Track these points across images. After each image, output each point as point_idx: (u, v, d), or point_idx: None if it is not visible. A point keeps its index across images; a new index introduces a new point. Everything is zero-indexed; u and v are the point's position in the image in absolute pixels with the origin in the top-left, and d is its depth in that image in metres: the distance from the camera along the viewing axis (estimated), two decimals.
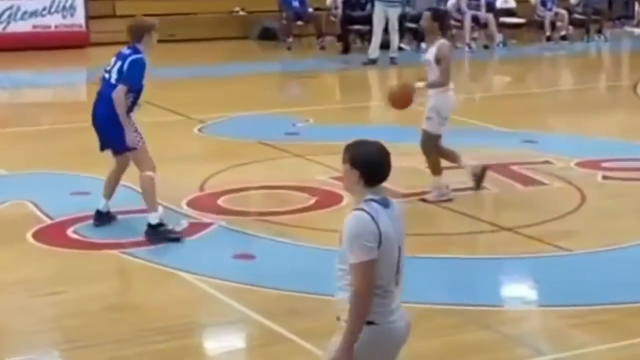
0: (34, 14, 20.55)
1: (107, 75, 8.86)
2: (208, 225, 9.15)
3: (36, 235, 8.79)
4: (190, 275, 7.90)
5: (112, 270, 8.24)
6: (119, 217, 9.16)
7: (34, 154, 11.96)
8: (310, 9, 22.02)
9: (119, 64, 8.76)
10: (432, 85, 9.88)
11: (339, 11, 21.53)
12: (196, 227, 9.08)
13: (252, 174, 11.03)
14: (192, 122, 13.70)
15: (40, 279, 7.81)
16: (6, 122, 13.70)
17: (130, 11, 21.76)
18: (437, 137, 10.01)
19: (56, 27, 20.77)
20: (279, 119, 14.07)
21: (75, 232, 8.87)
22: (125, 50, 8.89)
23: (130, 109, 8.79)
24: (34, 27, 20.59)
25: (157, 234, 8.64)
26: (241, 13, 23.13)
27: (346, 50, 21.14)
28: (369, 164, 4.48)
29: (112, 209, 9.12)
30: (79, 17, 20.96)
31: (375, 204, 4.45)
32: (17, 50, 19.63)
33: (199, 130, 13.33)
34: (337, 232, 4.53)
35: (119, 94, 8.62)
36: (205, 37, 21.96)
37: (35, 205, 9.57)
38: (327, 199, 9.90)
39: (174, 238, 8.65)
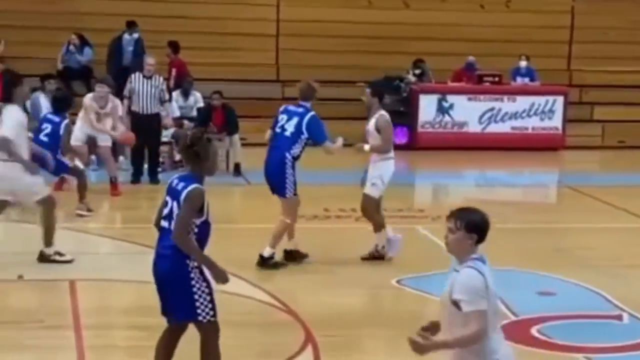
0: (513, 115, 21.10)
1: (279, 130, 10.81)
2: None
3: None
4: None
5: None
6: (586, 320, 9.14)
7: (502, 251, 12.21)
8: None
9: (295, 119, 10.75)
10: (375, 149, 11.32)
11: None
12: None
13: None
14: None
15: None
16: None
17: (607, 116, 21.96)
18: (379, 201, 11.37)
19: (533, 129, 21.15)
20: None
21: (539, 331, 8.94)
22: (294, 107, 10.97)
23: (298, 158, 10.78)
24: (513, 128, 21.11)
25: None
26: None
27: None
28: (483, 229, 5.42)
29: (580, 312, 9.13)
30: (557, 121, 21.21)
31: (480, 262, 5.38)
32: (495, 149, 20.23)
33: None
34: None
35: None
36: None
37: (502, 301, 9.73)
38: None
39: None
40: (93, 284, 10.25)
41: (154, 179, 15.78)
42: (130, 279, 10.25)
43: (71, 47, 19.94)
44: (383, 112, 11.39)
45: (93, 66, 20.12)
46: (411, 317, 9.72)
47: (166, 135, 16.79)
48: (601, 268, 11.33)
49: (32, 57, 19.34)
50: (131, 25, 19.70)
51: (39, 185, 10.75)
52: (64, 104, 13.67)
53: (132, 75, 16.11)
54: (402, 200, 15.21)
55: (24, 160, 10.41)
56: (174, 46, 19.47)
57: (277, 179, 10.81)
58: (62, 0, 20.79)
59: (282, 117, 10.93)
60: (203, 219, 6.76)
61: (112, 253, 11.98)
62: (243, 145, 17.28)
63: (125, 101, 15.84)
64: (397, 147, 20.20)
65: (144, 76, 15.89)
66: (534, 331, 8.92)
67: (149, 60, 16.18)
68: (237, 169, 16.81)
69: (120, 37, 19.69)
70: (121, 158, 16.92)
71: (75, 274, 10.35)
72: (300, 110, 10.91)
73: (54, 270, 10.62)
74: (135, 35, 19.66)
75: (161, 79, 16.16)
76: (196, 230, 6.72)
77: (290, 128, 10.80)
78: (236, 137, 17.08)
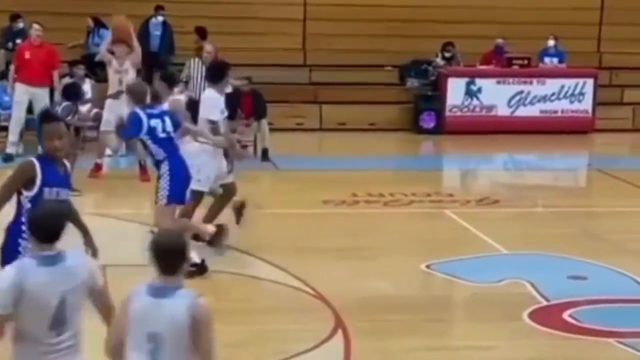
0: (542, 98, 20.95)
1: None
2: None
3: (532, 316, 8.91)
4: None
5: (606, 359, 8.13)
6: (618, 305, 9.07)
7: (532, 235, 12.16)
8: None
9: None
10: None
11: None
12: None
13: None
14: None
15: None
16: (507, 201, 14.07)
17: (638, 98, 21.79)
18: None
19: (563, 112, 21.00)
20: None
21: (571, 315, 8.87)
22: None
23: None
24: (542, 111, 20.97)
25: None
26: None
27: None
28: None
29: (611, 296, 9.06)
30: (587, 103, 21.05)
31: None
32: (524, 133, 20.11)
33: None
34: None
35: None
36: None
37: (533, 285, 9.72)
38: None
39: None
40: (124, 270, 10.24)
41: None
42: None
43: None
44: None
45: None
46: (441, 302, 9.72)
47: None
48: (632, 252, 11.23)
49: (60, 43, 19.34)
50: (158, 9, 19.66)
51: None
52: (72, 94, 13.86)
53: (190, 61, 16.43)
54: (430, 184, 15.15)
55: None
56: (202, 32, 19.41)
57: None
58: None
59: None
60: (33, 193, 6.80)
61: (141, 238, 11.96)
62: (270, 130, 17.25)
63: (181, 85, 15.99)
64: (426, 131, 20.38)
65: (203, 62, 16.03)
66: (565, 315, 8.86)
67: (207, 48, 16.36)
68: (265, 154, 16.77)
69: (147, 21, 19.65)
70: None
71: (106, 260, 10.34)
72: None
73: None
74: (161, 19, 19.61)
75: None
76: (29, 205, 6.77)
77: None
78: (264, 122, 17.03)
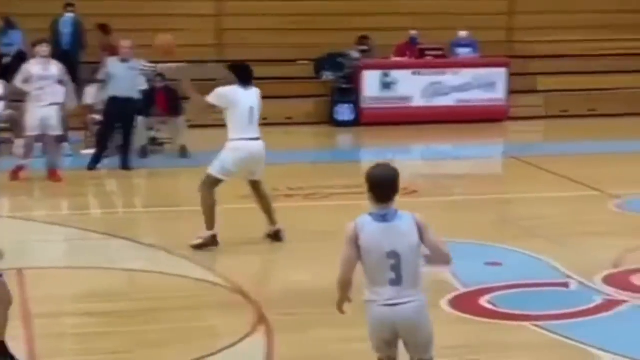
0: (457, 89, 21.22)
1: None
2: (622, 302, 8.99)
3: (451, 303, 9.05)
4: (604, 353, 7.78)
5: (523, 342, 8.29)
6: (533, 289, 9.28)
7: (450, 223, 12.32)
8: None
9: None
10: None
11: None
12: (610, 304, 8.95)
13: None
14: (608, 197, 13.53)
15: (451, 347, 8.02)
16: (425, 191, 14.23)
17: (550, 86, 22.19)
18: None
19: (477, 101, 21.30)
20: None
21: (488, 301, 9.04)
22: None
23: None
24: (457, 101, 21.24)
25: None
26: None
27: None
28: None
29: (527, 281, 9.25)
30: (500, 92, 21.37)
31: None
32: (440, 123, 20.35)
33: (615, 205, 13.14)
34: None
35: None
36: (626, 112, 21.64)
37: (451, 272, 9.86)
38: None
39: None
40: (41, 272, 10.18)
41: (127, 165, 15.66)
42: (77, 265, 10.23)
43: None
44: None
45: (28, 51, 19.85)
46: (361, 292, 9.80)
47: None
48: (548, 237, 11.46)
49: None
50: (67, 7, 19.45)
51: None
52: None
53: (109, 59, 16.15)
54: (349, 177, 15.25)
55: None
56: (104, 29, 19.27)
57: None
58: None
59: None
60: None
61: (58, 240, 11.89)
62: (189, 127, 17.22)
63: (99, 85, 15.95)
64: (343, 124, 20.52)
65: (121, 60, 15.82)
66: (482, 301, 9.01)
67: (124, 43, 16.11)
68: (183, 151, 16.75)
69: (57, 20, 19.45)
70: (66, 144, 16.79)
71: (22, 263, 10.28)
72: None
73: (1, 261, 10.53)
74: (71, 16, 19.38)
75: (141, 62, 16.07)
76: None
77: None
78: (181, 119, 17.01)
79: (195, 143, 16.63)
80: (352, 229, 5.75)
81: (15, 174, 14.67)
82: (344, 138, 20.35)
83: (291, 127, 19.92)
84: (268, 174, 13.94)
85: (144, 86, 17.70)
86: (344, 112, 20.70)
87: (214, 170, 10.80)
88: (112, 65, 15.97)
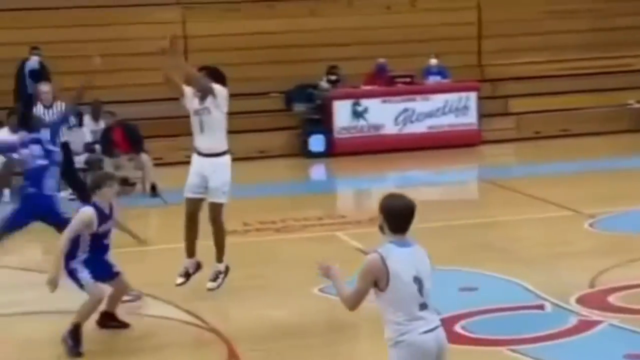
0: (428, 115, 21.17)
1: None
2: (598, 322, 8.88)
3: None
4: None
5: None
6: (509, 313, 9.15)
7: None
8: None
9: None
10: None
11: None
12: (586, 324, 8.84)
13: None
14: (583, 217, 13.45)
15: None
16: None
17: (521, 108, 22.18)
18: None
19: (449, 126, 21.24)
20: None
21: (463, 327, 8.91)
22: None
23: None
24: (429, 127, 21.18)
25: None
26: (635, 105, 22.51)
27: None
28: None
29: (502, 305, 9.13)
30: (472, 116, 21.34)
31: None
32: (413, 150, 20.28)
33: (590, 225, 13.06)
34: None
35: None
36: (598, 130, 21.64)
37: None
38: None
39: None
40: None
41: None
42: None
43: None
44: None
45: None
46: (335, 324, 9.66)
47: (79, 161, 16.48)
48: (524, 260, 11.37)
49: None
50: (33, 50, 19.29)
51: None
52: None
53: (34, 107, 15.62)
54: (322, 208, 15.16)
55: None
56: (34, 76, 18.83)
57: None
58: None
59: None
60: None
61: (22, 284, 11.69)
62: (158, 165, 17.05)
63: None
64: (315, 155, 20.41)
65: (44, 106, 15.40)
66: (457, 328, 8.88)
67: (43, 88, 15.77)
68: (154, 190, 16.53)
69: (23, 64, 19.30)
70: (6, 191, 16.48)
71: None
72: None
73: None
74: (36, 59, 19.19)
75: (63, 104, 15.65)
76: None
77: None
78: (144, 156, 16.78)
79: (164, 180, 16.42)
80: (377, 258, 5.65)
81: None
82: (317, 169, 20.24)
83: (264, 160, 19.80)
84: (240, 208, 13.87)
85: (101, 125, 17.25)
86: (316, 143, 20.60)
87: (226, 197, 10.29)
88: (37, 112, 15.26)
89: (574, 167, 17.94)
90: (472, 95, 21.32)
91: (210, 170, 10.16)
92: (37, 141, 10.86)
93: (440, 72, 21.74)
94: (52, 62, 19.35)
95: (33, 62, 19.18)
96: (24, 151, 10.91)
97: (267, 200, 15.82)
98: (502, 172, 18.33)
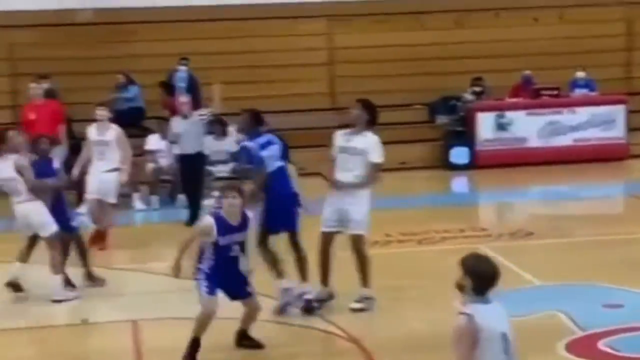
0: (574, 128, 20.85)
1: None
2: None
3: (568, 347, 8.78)
4: None
5: None
6: None
7: (567, 265, 12.03)
8: None
9: None
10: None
11: None
12: None
13: None
14: None
15: None
16: (541, 233, 13.95)
17: None
18: None
19: (596, 140, 20.86)
20: None
21: (607, 345, 8.74)
22: None
23: None
24: (574, 140, 20.85)
25: None
26: None
27: None
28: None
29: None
30: (619, 130, 20.91)
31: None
32: (558, 163, 19.99)
33: None
34: None
35: None
36: None
37: (567, 316, 9.59)
38: None
39: None
40: (156, 323, 10.24)
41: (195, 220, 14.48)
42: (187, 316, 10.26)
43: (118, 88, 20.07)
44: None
45: (145, 107, 20.26)
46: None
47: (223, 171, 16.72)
48: None
49: (90, 102, 19.53)
50: (182, 60, 19.77)
51: None
52: None
53: (172, 119, 15.92)
54: (463, 220, 15.06)
55: None
56: (167, 87, 19.33)
57: None
58: (115, 44, 20.97)
59: None
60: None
61: (171, 291, 11.94)
62: (303, 175, 17.20)
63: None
64: (457, 167, 20.31)
65: (182, 116, 15.58)
66: (601, 345, 8.73)
67: (182, 99, 16.13)
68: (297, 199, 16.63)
69: (172, 74, 19.78)
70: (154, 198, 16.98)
71: (137, 314, 10.37)
72: None
73: (116, 312, 10.67)
74: (184, 69, 19.63)
75: (199, 115, 15.76)
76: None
77: None
78: (290, 167, 16.94)
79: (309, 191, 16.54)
80: (467, 320, 5.53)
81: (95, 240, 13.62)
82: (459, 181, 20.14)
83: (405, 171, 19.80)
84: (382, 220, 13.91)
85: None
86: (459, 154, 20.50)
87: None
88: (176, 124, 15.61)
89: None
90: (620, 109, 20.88)
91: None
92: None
93: (588, 84, 21.37)
94: (199, 73, 19.79)
95: (181, 72, 19.64)
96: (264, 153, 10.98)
97: (408, 212, 15.82)
98: None
